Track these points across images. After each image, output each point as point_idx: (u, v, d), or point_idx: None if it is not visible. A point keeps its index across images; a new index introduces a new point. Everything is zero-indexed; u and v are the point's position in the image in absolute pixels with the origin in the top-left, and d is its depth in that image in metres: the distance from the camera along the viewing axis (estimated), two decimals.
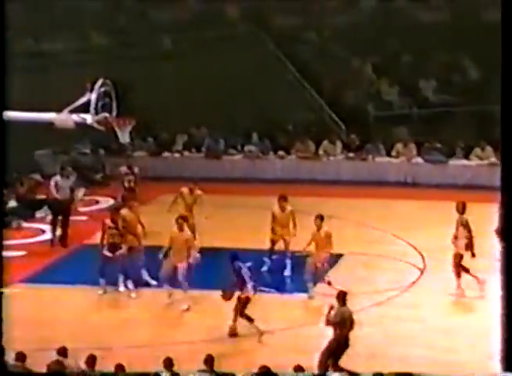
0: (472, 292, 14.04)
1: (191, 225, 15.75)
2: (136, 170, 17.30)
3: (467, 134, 21.44)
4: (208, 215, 15.58)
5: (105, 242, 14.48)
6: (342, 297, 11.32)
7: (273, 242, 15.28)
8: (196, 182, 16.29)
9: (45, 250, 16.62)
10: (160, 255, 14.01)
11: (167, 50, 25.08)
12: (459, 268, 13.98)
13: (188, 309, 13.66)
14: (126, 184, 16.98)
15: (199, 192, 16.04)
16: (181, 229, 14.10)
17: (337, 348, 11.22)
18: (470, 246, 13.92)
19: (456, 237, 13.98)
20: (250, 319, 12.52)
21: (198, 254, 15.24)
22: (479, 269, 14.25)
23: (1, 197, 16.77)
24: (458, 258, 13.97)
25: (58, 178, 16.91)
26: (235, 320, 12.55)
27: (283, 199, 15.19)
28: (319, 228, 14.10)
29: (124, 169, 17.28)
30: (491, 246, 15.18)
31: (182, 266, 13.91)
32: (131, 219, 14.82)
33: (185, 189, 15.96)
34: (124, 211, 15.00)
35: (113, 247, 14.43)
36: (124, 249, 14.45)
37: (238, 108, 21.99)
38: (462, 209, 14.02)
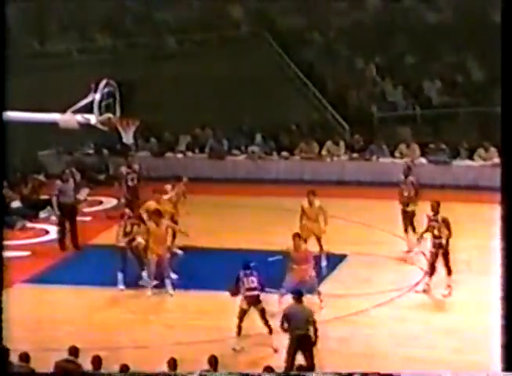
0: (476, 293, 14.05)
1: (175, 221, 15.79)
2: (137, 168, 17.29)
3: (471, 135, 21.43)
4: (190, 210, 15.72)
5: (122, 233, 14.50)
6: (295, 294, 11.37)
7: (305, 240, 15.19)
8: (178, 180, 16.28)
9: (50, 250, 16.64)
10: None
11: (171, 51, 25.13)
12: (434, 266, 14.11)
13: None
14: (130, 183, 17.01)
15: (183, 187, 16.05)
16: (157, 224, 14.25)
17: (295, 346, 11.15)
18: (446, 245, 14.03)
19: (437, 237, 13.95)
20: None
21: (181, 252, 15.33)
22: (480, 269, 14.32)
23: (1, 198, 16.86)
24: (434, 256, 14.08)
25: (59, 182, 16.93)
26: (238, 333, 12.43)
27: (311, 193, 15.15)
28: (297, 246, 13.41)
29: (124, 169, 17.30)
30: (493, 247, 15.22)
31: (165, 258, 14.09)
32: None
33: (168, 187, 15.98)
34: (150, 204, 15.10)
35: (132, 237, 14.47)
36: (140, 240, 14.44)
37: (241, 109, 22.01)
38: (437, 208, 14.05)
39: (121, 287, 14.39)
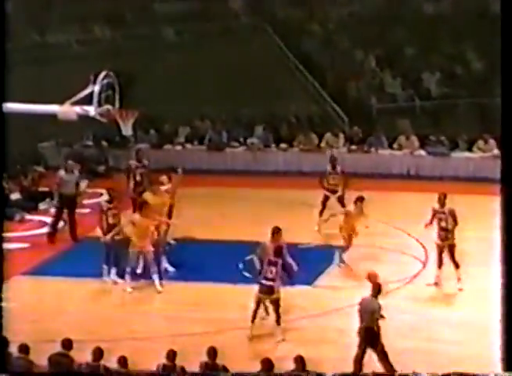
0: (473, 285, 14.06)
1: (171, 212, 15.75)
2: (146, 162, 17.10)
3: (470, 126, 21.42)
4: (189, 202, 15.93)
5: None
6: (373, 288, 11.29)
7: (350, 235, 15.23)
8: (174, 171, 16.25)
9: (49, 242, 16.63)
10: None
11: (170, 42, 25.09)
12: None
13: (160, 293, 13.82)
14: (138, 177, 16.91)
15: (180, 178, 16.00)
16: (143, 215, 14.19)
17: (363, 339, 11.12)
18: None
19: (444, 229, 13.96)
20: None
21: (173, 242, 15.31)
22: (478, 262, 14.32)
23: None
24: (441, 248, 14.06)
25: (62, 173, 16.87)
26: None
27: (359, 200, 15.22)
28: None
29: (133, 162, 17.18)
30: (493, 239, 15.20)
31: (148, 251, 14.02)
32: (155, 204, 14.83)
33: (164, 178, 15.89)
34: (146, 195, 15.09)
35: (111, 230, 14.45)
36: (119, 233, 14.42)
37: (241, 100, 21.98)
38: (444, 200, 14.07)
39: (107, 279, 14.34)
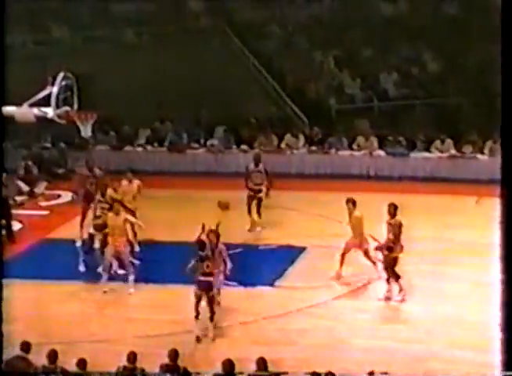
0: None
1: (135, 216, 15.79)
2: (97, 172, 16.52)
3: (427, 127, 21.63)
4: (149, 204, 15.92)
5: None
6: None
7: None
8: (134, 173, 16.21)
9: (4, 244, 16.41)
10: (97, 244, 14.23)
11: (129, 43, 24.99)
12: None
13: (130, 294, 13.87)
14: (88, 186, 16.55)
15: (137, 181, 15.96)
16: (117, 213, 14.19)
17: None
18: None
19: (391, 241, 13.57)
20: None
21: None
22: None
23: None
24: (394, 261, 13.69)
25: None
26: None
27: (350, 202, 14.52)
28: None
29: (85, 171, 16.63)
30: (449, 238, 15.41)
31: (124, 250, 14.03)
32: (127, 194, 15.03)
33: (124, 182, 15.85)
34: (110, 191, 15.06)
35: (100, 226, 14.38)
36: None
37: (201, 102, 21.98)
38: (394, 211, 13.65)
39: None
